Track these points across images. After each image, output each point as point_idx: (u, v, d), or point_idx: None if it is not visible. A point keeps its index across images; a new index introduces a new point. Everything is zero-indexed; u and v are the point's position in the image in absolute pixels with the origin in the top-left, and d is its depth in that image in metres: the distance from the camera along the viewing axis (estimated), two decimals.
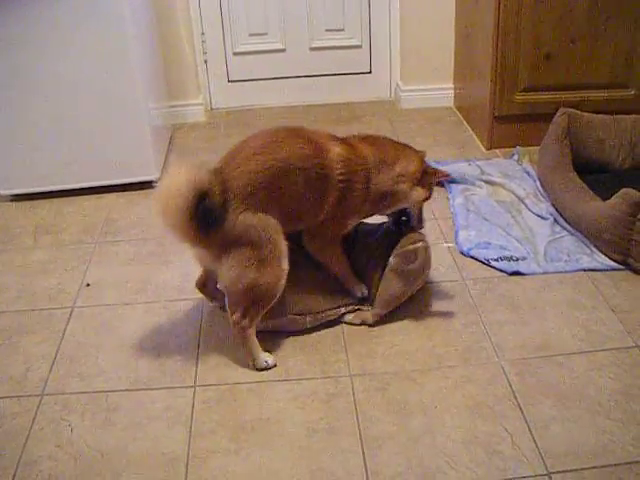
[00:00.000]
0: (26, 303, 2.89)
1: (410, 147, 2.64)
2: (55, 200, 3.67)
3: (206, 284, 2.70)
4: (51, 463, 2.15)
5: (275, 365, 2.45)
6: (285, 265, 2.39)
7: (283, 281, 2.40)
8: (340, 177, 2.42)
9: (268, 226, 2.34)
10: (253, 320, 2.41)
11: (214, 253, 2.34)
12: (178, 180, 2.19)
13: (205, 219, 2.22)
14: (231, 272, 2.34)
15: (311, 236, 2.56)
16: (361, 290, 2.65)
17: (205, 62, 4.55)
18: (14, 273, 3.10)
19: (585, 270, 2.87)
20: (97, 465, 2.13)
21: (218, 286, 2.59)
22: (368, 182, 2.49)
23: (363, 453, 2.10)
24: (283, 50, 4.58)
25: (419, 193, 2.58)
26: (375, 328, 2.62)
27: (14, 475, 2.11)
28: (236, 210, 2.29)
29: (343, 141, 2.51)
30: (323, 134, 2.50)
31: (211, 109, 4.70)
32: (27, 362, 2.56)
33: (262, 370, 2.43)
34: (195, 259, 2.53)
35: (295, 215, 2.44)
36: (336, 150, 2.44)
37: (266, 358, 2.45)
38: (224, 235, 2.29)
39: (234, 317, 2.40)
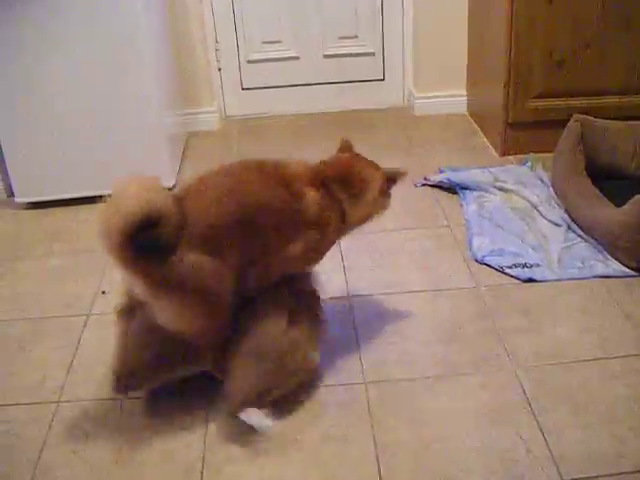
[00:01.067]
0: (41, 311, 2.90)
1: (366, 160, 2.50)
2: (70, 208, 3.69)
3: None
4: (67, 470, 2.16)
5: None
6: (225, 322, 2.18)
7: (213, 338, 2.21)
8: (313, 222, 2.26)
9: (221, 277, 2.10)
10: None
11: (148, 291, 2.04)
12: (128, 196, 1.91)
13: (148, 246, 1.91)
14: (173, 317, 2.08)
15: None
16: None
17: (219, 70, 4.57)
18: (29, 281, 3.12)
19: (599, 277, 2.86)
20: (113, 472, 2.14)
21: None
22: (344, 218, 2.35)
23: (377, 461, 2.10)
24: (297, 58, 4.59)
25: (387, 203, 2.46)
26: (388, 335, 2.62)
27: None
28: (189, 248, 2.02)
29: (315, 180, 2.32)
30: (295, 171, 2.33)
31: (225, 117, 4.71)
32: (43, 369, 2.58)
33: None
34: (126, 286, 2.28)
35: (269, 261, 2.25)
36: (310, 195, 2.25)
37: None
38: (166, 271, 1.98)
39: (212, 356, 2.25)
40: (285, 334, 2.24)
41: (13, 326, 2.82)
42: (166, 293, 2.03)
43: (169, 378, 2.34)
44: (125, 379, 2.29)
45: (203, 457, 2.16)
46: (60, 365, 2.59)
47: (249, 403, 2.16)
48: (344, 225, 2.38)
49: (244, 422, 2.15)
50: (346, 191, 2.35)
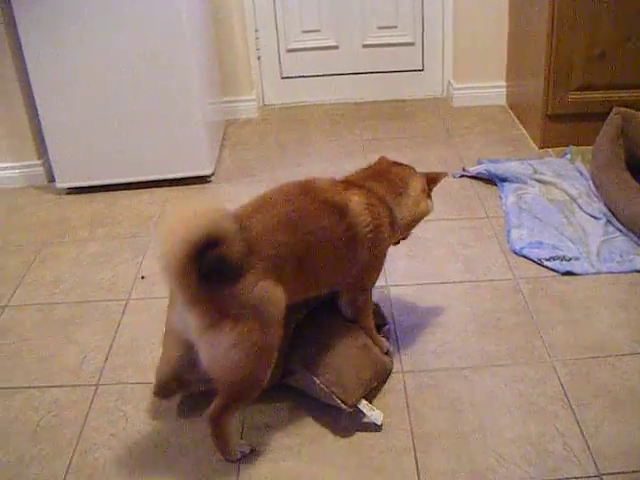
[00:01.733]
0: (81, 295, 2.94)
1: (403, 164, 2.46)
2: (111, 194, 3.74)
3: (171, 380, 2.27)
4: (106, 451, 2.20)
5: (252, 450, 2.14)
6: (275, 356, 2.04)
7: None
8: (367, 229, 2.19)
9: (281, 306, 1.97)
10: (233, 415, 2.09)
11: (206, 320, 1.88)
12: (189, 215, 1.81)
13: (214, 270, 1.81)
14: (228, 352, 1.91)
15: (351, 295, 2.33)
16: (386, 345, 2.46)
17: (258, 58, 4.59)
18: (70, 265, 3.16)
19: (638, 271, 2.84)
20: (151, 455, 2.17)
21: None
22: (393, 221, 2.30)
23: (414, 450, 2.11)
24: (336, 47, 4.60)
25: (431, 205, 2.46)
26: (426, 325, 2.62)
27: (70, 462, 2.16)
28: (257, 274, 1.91)
29: (356, 186, 2.26)
30: (336, 187, 2.23)
31: (263, 105, 4.73)
32: (83, 352, 2.62)
33: (237, 461, 2.13)
34: (170, 332, 2.18)
35: (322, 281, 2.21)
36: (355, 200, 2.19)
37: (241, 447, 2.14)
38: (231, 299, 1.88)
39: (213, 409, 2.03)
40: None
41: (55, 309, 2.86)
42: (228, 325, 1.88)
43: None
44: (166, 384, 2.29)
45: (241, 439, 2.18)
46: (100, 349, 2.63)
47: (361, 394, 2.20)
48: (395, 228, 2.33)
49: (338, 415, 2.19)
50: (389, 190, 2.31)
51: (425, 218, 2.44)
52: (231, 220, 1.87)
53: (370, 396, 2.29)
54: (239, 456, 2.10)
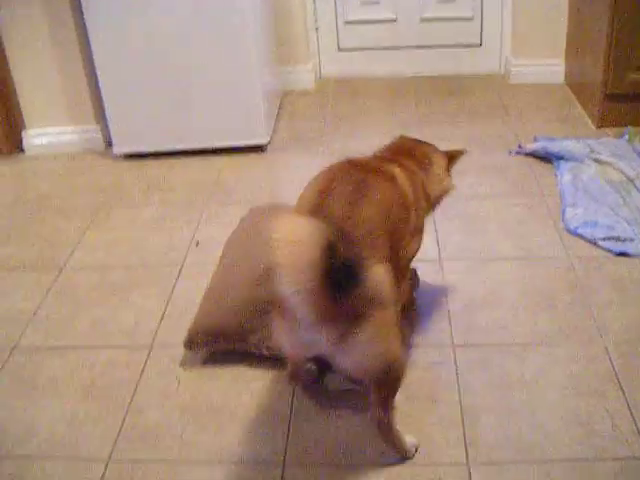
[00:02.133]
0: (137, 259, 3.00)
1: (424, 142, 2.46)
2: (167, 160, 3.78)
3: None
4: (158, 412, 2.24)
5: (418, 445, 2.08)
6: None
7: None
8: (412, 197, 2.18)
9: (390, 279, 1.90)
10: (393, 409, 1.98)
11: (340, 330, 1.79)
12: (298, 230, 1.64)
13: (342, 277, 1.66)
14: (370, 351, 1.84)
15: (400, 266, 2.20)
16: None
17: (316, 30, 4.59)
18: (126, 229, 3.22)
19: None
20: (202, 417, 2.21)
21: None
22: (427, 194, 2.29)
23: (462, 423, 2.12)
24: (394, 20, 4.57)
25: (451, 182, 2.43)
26: (478, 300, 2.62)
27: (123, 421, 2.21)
28: (370, 264, 1.80)
29: (389, 160, 2.25)
30: (376, 161, 2.24)
31: (320, 77, 4.73)
32: (137, 315, 2.67)
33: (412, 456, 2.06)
34: (293, 351, 2.06)
35: (399, 252, 2.13)
36: (397, 170, 2.17)
37: (412, 442, 2.06)
38: (357, 299, 1.75)
39: (379, 414, 1.96)
40: None
41: (111, 273, 2.92)
42: (361, 325, 1.79)
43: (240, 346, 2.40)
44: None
45: (291, 407, 2.22)
46: (154, 312, 2.68)
47: None
48: (429, 200, 2.32)
49: None
50: (417, 164, 2.31)
51: (447, 196, 2.43)
52: (326, 222, 1.72)
53: (419, 368, 2.31)
54: (414, 451, 2.05)
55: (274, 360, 2.33)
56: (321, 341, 1.82)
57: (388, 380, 1.91)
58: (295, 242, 1.61)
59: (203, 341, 2.41)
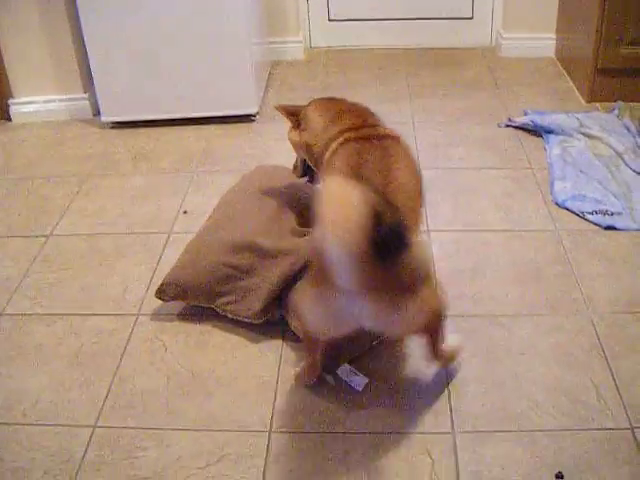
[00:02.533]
0: (125, 227, 2.98)
1: (345, 100, 2.51)
2: (155, 129, 3.76)
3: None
4: (145, 379, 2.25)
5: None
6: None
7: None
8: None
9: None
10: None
11: (387, 299, 1.76)
12: (349, 193, 1.59)
13: (390, 244, 1.63)
14: (419, 317, 1.85)
15: None
16: None
17: (307, 0, 4.55)
18: (114, 197, 3.20)
19: None
20: (189, 384, 2.22)
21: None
22: None
23: (449, 394, 2.13)
24: None
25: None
26: (466, 271, 2.63)
27: (109, 388, 2.22)
28: (410, 229, 1.81)
29: (375, 124, 2.29)
30: (372, 126, 2.27)
31: (310, 47, 4.71)
32: (125, 283, 2.66)
33: None
34: (326, 327, 1.94)
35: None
36: (394, 133, 2.23)
37: (456, 342, 2.19)
38: (402, 266, 1.72)
39: (436, 354, 2.08)
40: None
41: (98, 240, 2.91)
42: (414, 287, 1.78)
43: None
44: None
45: (277, 375, 2.23)
46: (141, 280, 2.67)
47: None
48: None
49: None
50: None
51: None
52: (370, 189, 1.67)
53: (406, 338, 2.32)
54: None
55: (264, 326, 2.38)
56: (365, 312, 1.78)
57: (436, 330, 2.00)
58: (347, 205, 1.56)
59: (173, 293, 2.46)
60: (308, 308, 1.92)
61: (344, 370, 2.21)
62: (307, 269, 2.01)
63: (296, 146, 2.48)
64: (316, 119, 2.39)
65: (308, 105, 2.47)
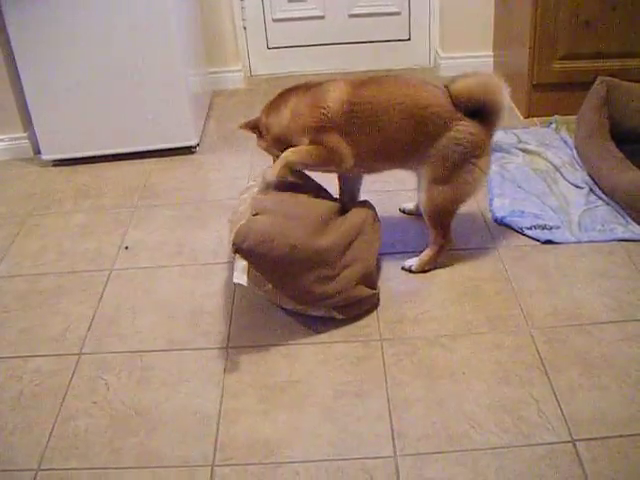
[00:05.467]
0: (66, 265, 2.96)
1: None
2: (95, 165, 3.75)
3: None
4: (87, 419, 2.22)
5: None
6: None
7: None
8: None
9: None
10: None
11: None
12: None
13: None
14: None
15: None
16: None
17: (244, 29, 4.57)
18: (55, 236, 3.17)
19: (619, 240, 2.85)
20: (132, 422, 2.20)
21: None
22: None
23: (390, 416, 2.14)
24: (322, 17, 4.58)
25: None
26: (406, 294, 2.65)
27: (52, 429, 2.19)
28: None
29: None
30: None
31: (250, 75, 4.73)
32: (66, 322, 2.64)
33: None
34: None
35: None
36: None
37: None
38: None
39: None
40: None
41: (39, 280, 2.88)
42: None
43: None
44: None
45: (220, 409, 2.21)
46: (83, 318, 2.65)
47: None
48: None
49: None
50: None
51: None
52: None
53: (347, 362, 2.34)
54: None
55: (206, 360, 2.37)
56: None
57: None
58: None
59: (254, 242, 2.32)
60: None
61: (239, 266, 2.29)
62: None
63: (268, 149, 2.70)
64: (275, 117, 2.64)
65: (261, 113, 2.70)
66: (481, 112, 2.53)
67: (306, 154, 2.56)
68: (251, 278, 2.34)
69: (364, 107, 2.52)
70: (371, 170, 2.73)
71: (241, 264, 2.30)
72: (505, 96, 2.55)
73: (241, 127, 2.74)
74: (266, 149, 2.71)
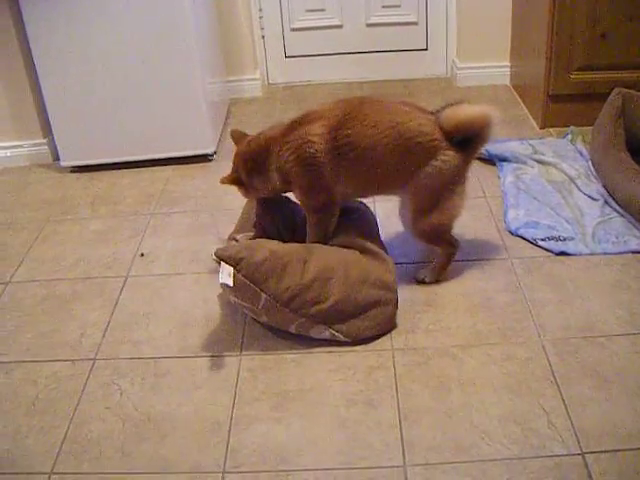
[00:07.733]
0: (82, 271, 2.99)
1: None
2: (113, 172, 3.79)
3: None
4: (101, 424, 2.24)
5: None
6: None
7: None
8: None
9: None
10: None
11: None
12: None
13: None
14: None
15: None
16: None
17: (262, 37, 4.61)
18: (72, 242, 3.21)
19: (633, 252, 2.85)
20: (144, 428, 2.22)
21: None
22: None
23: (400, 425, 2.14)
24: (340, 26, 4.61)
25: None
26: (419, 304, 2.66)
27: (66, 433, 2.22)
28: None
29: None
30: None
31: (268, 84, 4.76)
32: (82, 328, 2.67)
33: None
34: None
35: None
36: None
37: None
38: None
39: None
40: None
41: (55, 286, 2.91)
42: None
43: None
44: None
45: (231, 416, 2.23)
46: (98, 324, 2.68)
47: None
48: None
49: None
50: None
51: None
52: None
53: (359, 371, 2.35)
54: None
55: (219, 367, 2.39)
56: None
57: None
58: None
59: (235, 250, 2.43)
60: None
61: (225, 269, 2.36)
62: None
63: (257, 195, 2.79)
64: (258, 178, 2.67)
65: (238, 168, 2.72)
66: (466, 141, 2.53)
67: (320, 231, 2.67)
68: (246, 297, 2.40)
69: (347, 148, 2.50)
70: (356, 198, 2.82)
71: (228, 269, 2.35)
72: (494, 129, 2.52)
73: (222, 182, 2.73)
74: (254, 196, 2.80)
